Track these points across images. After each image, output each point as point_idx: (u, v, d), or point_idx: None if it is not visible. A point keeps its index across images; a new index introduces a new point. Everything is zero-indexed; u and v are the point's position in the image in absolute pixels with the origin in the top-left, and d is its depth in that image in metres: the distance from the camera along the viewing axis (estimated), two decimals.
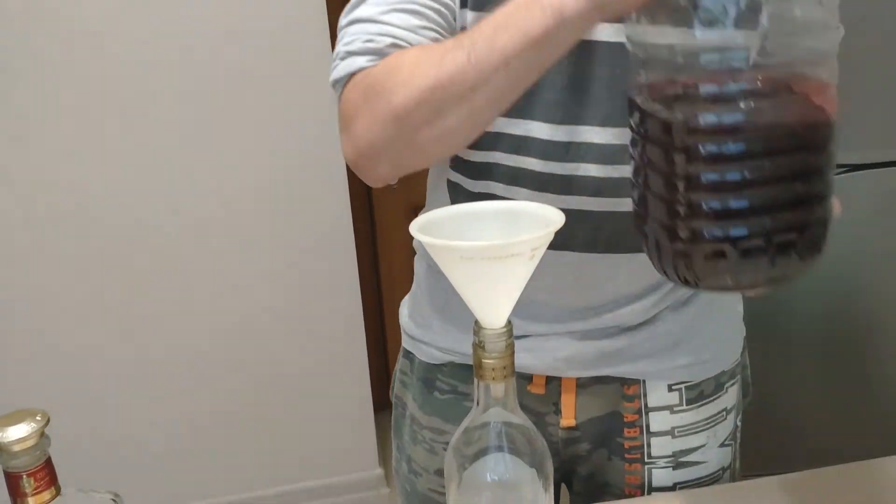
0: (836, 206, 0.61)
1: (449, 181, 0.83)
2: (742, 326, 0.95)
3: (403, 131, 0.64)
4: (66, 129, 1.76)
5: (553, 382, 0.88)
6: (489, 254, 0.52)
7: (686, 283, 0.57)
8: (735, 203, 0.53)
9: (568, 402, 0.88)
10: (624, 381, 0.87)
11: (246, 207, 1.89)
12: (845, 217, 1.77)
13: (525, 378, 0.88)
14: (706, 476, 0.90)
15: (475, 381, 0.61)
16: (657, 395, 0.87)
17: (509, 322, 0.59)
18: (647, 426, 0.88)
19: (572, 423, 0.88)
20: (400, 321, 0.97)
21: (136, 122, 1.79)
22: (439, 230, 0.58)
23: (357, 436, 2.12)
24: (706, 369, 0.89)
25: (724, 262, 0.54)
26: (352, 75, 0.69)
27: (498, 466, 0.62)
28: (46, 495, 0.59)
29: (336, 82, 0.71)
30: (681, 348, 0.87)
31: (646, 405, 0.88)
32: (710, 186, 0.53)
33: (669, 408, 0.88)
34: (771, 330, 1.89)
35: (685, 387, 0.88)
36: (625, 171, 0.60)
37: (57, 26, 1.69)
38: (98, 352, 1.94)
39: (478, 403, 0.62)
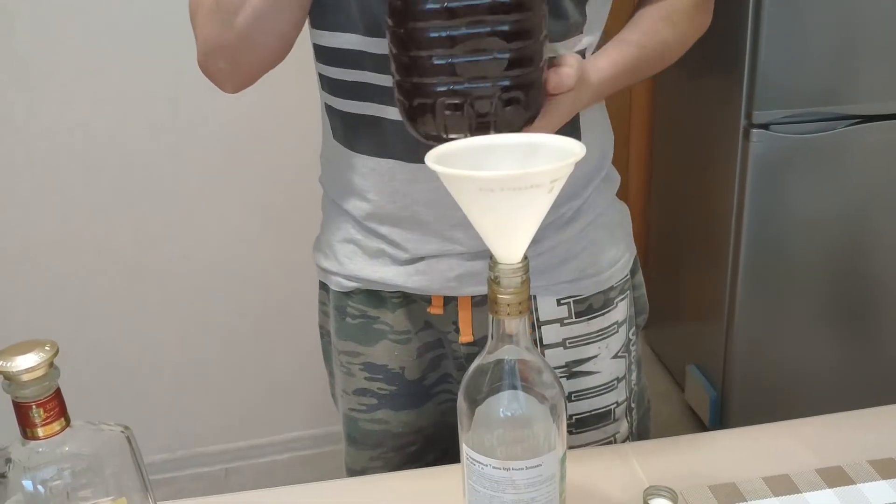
0: (554, 77, 0.69)
1: (326, 105, 0.88)
2: (631, 245, 0.98)
3: (223, 18, 0.75)
4: (67, 71, 1.73)
5: (451, 303, 0.92)
6: (508, 184, 0.51)
7: (431, 137, 0.66)
8: (440, 59, 0.62)
9: (465, 319, 0.92)
10: None
11: (249, 147, 1.88)
12: (853, 167, 1.79)
13: (425, 300, 0.93)
14: (600, 385, 0.94)
15: (489, 317, 0.60)
16: (547, 309, 0.91)
17: (525, 257, 0.58)
18: (540, 339, 0.91)
19: (470, 339, 0.93)
20: (313, 256, 1.01)
21: (138, 62, 1.76)
22: (455, 162, 0.57)
23: None
24: (593, 285, 0.92)
25: (437, 113, 0.64)
26: None
27: (511, 404, 0.62)
28: (56, 426, 0.58)
29: None
30: (567, 265, 0.91)
31: (537, 319, 0.91)
32: (422, 43, 0.63)
33: (559, 321, 0.91)
34: (773, 279, 1.89)
35: (573, 300, 0.91)
36: None
37: None
38: (104, 297, 1.93)
39: (491, 339, 0.61)
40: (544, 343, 0.91)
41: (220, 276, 1.99)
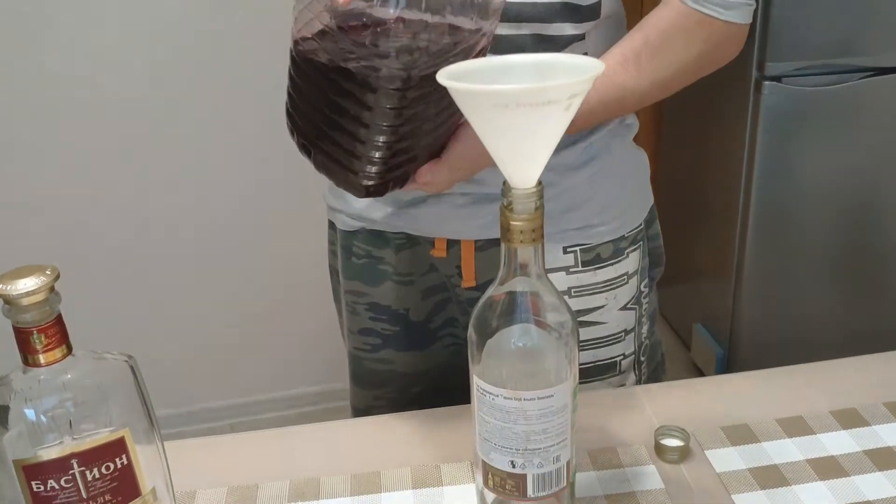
0: (422, 178, 0.75)
1: None
2: (647, 195, 0.96)
3: None
4: (70, 21, 1.71)
5: (454, 246, 0.91)
6: (524, 99, 0.49)
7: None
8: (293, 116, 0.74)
9: (468, 263, 0.91)
10: None
11: (250, 105, 1.85)
12: (867, 121, 1.75)
13: (428, 242, 0.92)
14: (606, 336, 0.92)
15: (501, 245, 0.58)
16: (552, 256, 0.89)
17: (540, 182, 0.56)
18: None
19: (473, 283, 0.92)
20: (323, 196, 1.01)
21: (142, 8, 1.73)
22: (469, 80, 0.54)
23: None
24: (601, 233, 0.90)
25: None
26: None
27: (522, 336, 0.61)
28: (58, 353, 0.57)
29: None
30: (575, 212, 0.88)
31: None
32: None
33: (565, 269, 0.89)
34: (783, 236, 1.87)
35: (580, 249, 0.89)
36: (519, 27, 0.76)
37: None
38: (106, 251, 1.92)
39: (504, 268, 0.59)
40: None
41: (225, 230, 1.98)
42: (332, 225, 1.01)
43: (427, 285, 0.96)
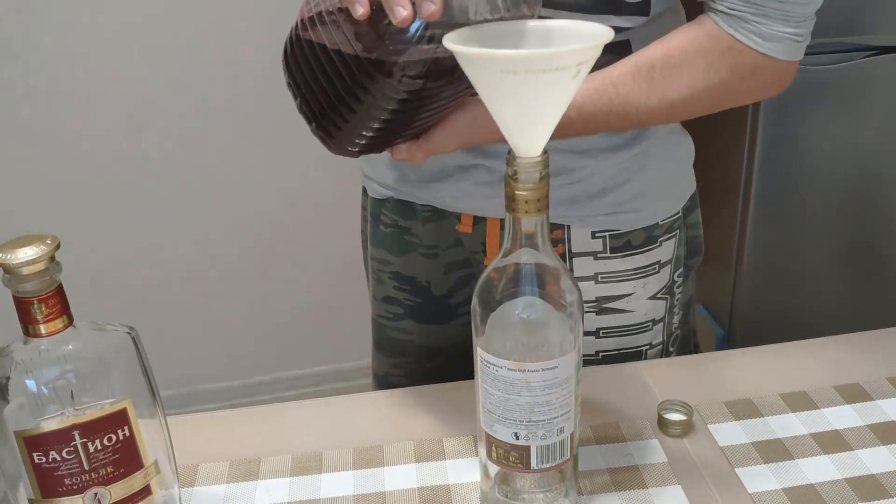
0: (398, 154, 0.73)
1: None
2: (689, 183, 0.93)
3: None
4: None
5: (480, 223, 0.90)
6: (532, 65, 0.48)
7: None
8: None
9: (492, 242, 0.89)
10: None
11: (250, 85, 1.84)
12: (872, 101, 1.72)
13: (455, 217, 0.91)
14: (633, 325, 0.90)
15: (506, 215, 0.58)
16: (580, 240, 0.86)
17: (545, 151, 0.55)
18: (571, 270, 0.87)
19: None
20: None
21: None
22: (476, 45, 0.54)
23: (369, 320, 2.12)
24: (633, 220, 0.86)
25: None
26: None
27: (527, 308, 0.60)
28: (59, 323, 0.56)
29: None
30: (604, 197, 0.85)
31: (569, 250, 0.87)
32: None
33: (593, 254, 0.87)
34: (785, 217, 1.87)
35: (610, 235, 0.86)
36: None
37: None
38: (104, 231, 1.92)
39: (509, 240, 0.59)
40: (575, 275, 0.87)
41: (224, 210, 1.97)
42: (364, 191, 1.01)
43: (451, 259, 0.95)
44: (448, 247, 0.94)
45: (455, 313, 0.98)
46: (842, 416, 0.74)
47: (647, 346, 0.91)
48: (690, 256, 0.94)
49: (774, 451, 0.71)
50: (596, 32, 0.52)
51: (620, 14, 0.74)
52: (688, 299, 0.96)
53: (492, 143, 0.78)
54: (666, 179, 0.89)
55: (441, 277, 0.96)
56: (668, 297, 0.91)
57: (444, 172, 0.88)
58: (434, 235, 0.94)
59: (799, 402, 0.77)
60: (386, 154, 0.91)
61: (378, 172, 0.95)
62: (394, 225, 0.96)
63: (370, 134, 0.68)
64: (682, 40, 0.72)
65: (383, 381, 1.06)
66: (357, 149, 0.72)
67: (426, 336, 1.00)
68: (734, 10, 0.69)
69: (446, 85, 0.61)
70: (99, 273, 1.93)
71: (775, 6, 0.68)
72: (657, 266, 0.89)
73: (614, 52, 0.75)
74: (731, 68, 0.71)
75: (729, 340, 2.03)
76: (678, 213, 0.90)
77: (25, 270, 0.54)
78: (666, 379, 0.82)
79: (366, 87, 0.62)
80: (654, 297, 0.90)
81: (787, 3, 0.69)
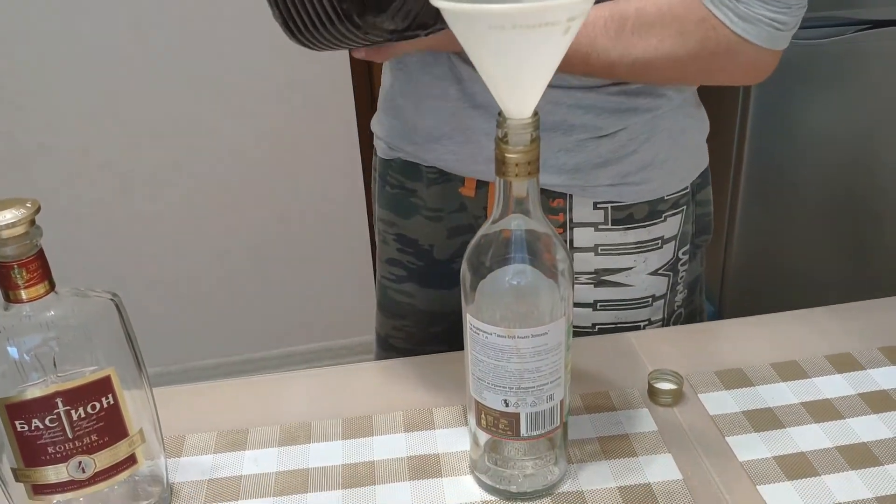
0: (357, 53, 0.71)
1: None
2: (701, 158, 0.90)
3: None
4: None
5: (483, 188, 0.89)
6: (521, 20, 0.47)
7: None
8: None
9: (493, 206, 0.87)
10: (549, 194, 0.86)
11: (249, 70, 1.82)
12: (864, 76, 1.69)
13: (459, 180, 0.91)
14: (631, 300, 0.89)
15: (496, 180, 0.57)
16: (582, 211, 0.85)
17: (536, 112, 0.54)
18: (571, 241, 0.87)
19: None
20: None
21: None
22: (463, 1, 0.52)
23: (359, 298, 2.12)
24: (636, 193, 0.85)
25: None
26: None
27: (517, 275, 0.59)
28: (40, 289, 0.55)
29: None
30: (608, 168, 0.84)
31: (570, 220, 0.86)
32: None
33: (594, 225, 0.86)
34: (775, 195, 1.86)
35: (612, 206, 0.85)
36: None
37: None
38: (94, 209, 1.90)
39: (499, 205, 0.58)
40: (574, 245, 0.87)
41: (216, 186, 1.95)
42: (375, 151, 1.01)
43: (455, 223, 0.94)
44: (452, 210, 0.93)
45: (456, 280, 0.98)
46: (833, 386, 0.74)
47: (647, 322, 0.90)
48: (699, 234, 0.92)
49: (765, 419, 0.71)
50: None
51: None
52: (694, 278, 0.94)
53: (449, 51, 0.79)
54: (675, 152, 0.86)
55: (444, 241, 0.96)
56: (670, 273, 0.90)
57: (442, 134, 0.87)
58: (438, 198, 0.93)
59: (790, 371, 0.76)
60: (395, 115, 0.93)
61: (385, 132, 0.95)
62: (399, 186, 0.96)
63: (335, 47, 0.69)
64: (660, 0, 0.71)
65: (384, 343, 1.06)
66: (316, 49, 0.71)
67: (428, 300, 0.99)
68: None
69: (423, 33, 0.61)
70: (86, 250, 1.92)
71: None
72: (660, 241, 0.88)
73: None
74: (701, 41, 0.70)
75: (720, 317, 2.04)
76: (686, 188, 0.88)
77: (5, 234, 0.52)
78: (656, 348, 0.81)
79: (342, 30, 0.63)
80: (655, 273, 0.89)
81: None
